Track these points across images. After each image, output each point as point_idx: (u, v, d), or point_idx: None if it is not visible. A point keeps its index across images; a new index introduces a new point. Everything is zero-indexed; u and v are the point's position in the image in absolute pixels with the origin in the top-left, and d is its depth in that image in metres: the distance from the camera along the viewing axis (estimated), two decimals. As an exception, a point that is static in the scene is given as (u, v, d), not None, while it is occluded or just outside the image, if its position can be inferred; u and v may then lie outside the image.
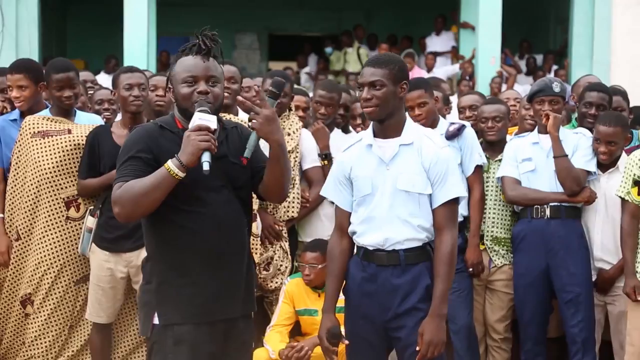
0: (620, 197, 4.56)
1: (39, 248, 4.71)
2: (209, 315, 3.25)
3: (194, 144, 3.05)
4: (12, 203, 4.79)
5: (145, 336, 3.31)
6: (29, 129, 4.72)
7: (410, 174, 3.51)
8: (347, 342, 3.64)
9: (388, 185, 3.52)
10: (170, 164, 3.06)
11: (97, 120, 5.10)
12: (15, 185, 4.78)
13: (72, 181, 4.73)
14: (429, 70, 12.86)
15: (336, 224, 3.73)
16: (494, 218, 5.11)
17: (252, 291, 3.45)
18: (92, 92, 5.95)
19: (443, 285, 3.47)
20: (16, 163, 4.77)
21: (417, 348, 3.45)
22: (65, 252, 4.74)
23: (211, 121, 3.11)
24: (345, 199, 3.65)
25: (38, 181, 4.68)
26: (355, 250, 3.70)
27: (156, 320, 3.23)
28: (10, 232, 4.80)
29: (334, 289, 3.67)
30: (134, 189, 3.10)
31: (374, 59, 3.56)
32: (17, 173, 4.77)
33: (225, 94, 4.69)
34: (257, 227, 4.82)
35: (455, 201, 3.54)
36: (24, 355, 4.83)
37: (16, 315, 4.82)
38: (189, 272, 3.22)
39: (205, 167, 3.05)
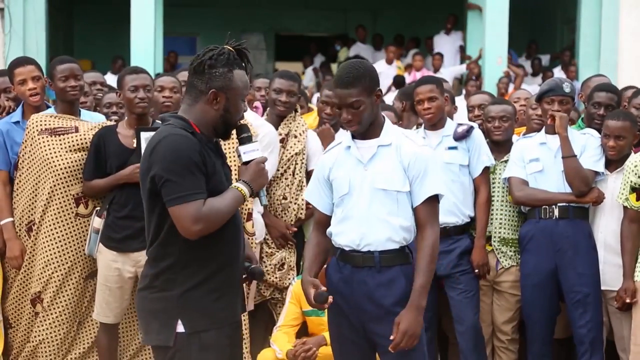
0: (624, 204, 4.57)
1: (49, 245, 4.72)
2: (229, 319, 3.30)
3: (266, 177, 3.34)
4: (19, 201, 4.80)
5: (165, 345, 3.21)
6: (36, 126, 4.73)
7: (387, 173, 3.53)
8: (331, 299, 3.54)
9: (366, 185, 3.54)
10: (245, 191, 3.25)
11: (101, 119, 5.10)
12: (24, 183, 4.78)
13: (81, 178, 4.74)
14: (436, 70, 12.86)
15: (314, 226, 3.76)
16: (501, 219, 5.10)
17: (243, 292, 3.53)
18: (100, 94, 5.94)
19: (423, 278, 3.46)
20: (25, 161, 4.77)
21: (392, 337, 3.44)
22: (75, 249, 4.75)
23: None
24: (324, 202, 3.69)
25: (51, 179, 4.69)
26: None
27: (180, 329, 3.19)
28: (20, 231, 4.80)
29: (311, 256, 3.66)
30: (221, 210, 3.16)
31: (344, 79, 3.49)
32: (26, 171, 4.77)
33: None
34: (252, 225, 4.84)
35: (435, 198, 3.55)
36: (27, 354, 4.83)
37: (28, 314, 4.83)
38: (213, 278, 3.23)
39: (264, 200, 3.40)
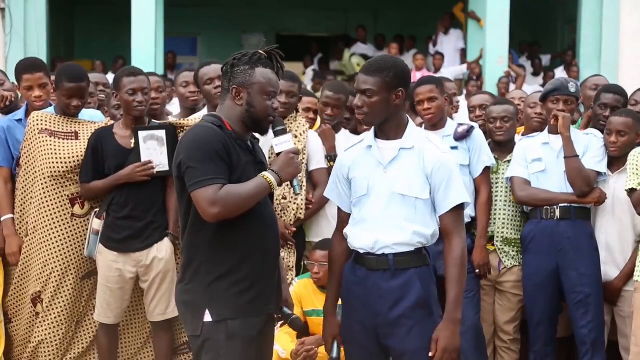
0: (630, 189, 4.51)
1: (46, 245, 4.71)
2: (257, 311, 3.37)
3: (297, 167, 3.40)
4: (24, 199, 4.80)
5: (195, 334, 3.36)
6: (36, 125, 4.72)
7: (408, 177, 3.46)
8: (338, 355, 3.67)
9: (384, 187, 3.49)
10: (272, 178, 3.33)
11: (100, 117, 5.07)
12: (26, 182, 4.79)
13: (76, 178, 4.73)
14: (437, 70, 12.86)
15: (337, 225, 3.73)
16: (503, 219, 5.10)
17: (280, 290, 3.58)
18: (103, 96, 5.92)
19: (456, 290, 3.42)
20: (25, 159, 4.77)
21: (431, 354, 3.40)
22: (71, 249, 4.74)
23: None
24: (345, 200, 3.65)
25: (45, 179, 4.69)
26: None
27: (207, 318, 3.31)
28: (21, 229, 4.81)
29: (335, 290, 3.68)
30: (239, 194, 3.26)
31: (369, 65, 3.51)
32: (28, 170, 4.77)
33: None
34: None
35: (461, 207, 3.50)
36: (28, 355, 4.83)
37: (28, 313, 4.83)
38: (240, 270, 3.34)
39: (297, 189, 3.49)
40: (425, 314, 3.48)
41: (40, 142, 4.70)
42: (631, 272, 4.65)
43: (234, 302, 3.31)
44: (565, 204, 4.80)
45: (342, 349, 3.71)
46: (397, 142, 3.51)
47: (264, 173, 3.35)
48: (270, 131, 3.49)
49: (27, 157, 4.77)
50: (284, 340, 4.74)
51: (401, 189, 3.46)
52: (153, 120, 4.80)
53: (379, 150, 3.53)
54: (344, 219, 3.67)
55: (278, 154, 3.47)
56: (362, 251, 3.54)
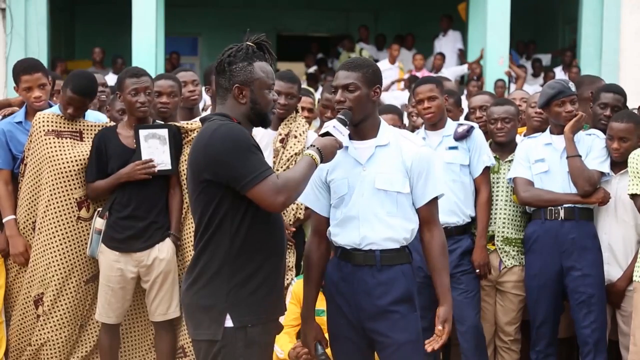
0: (633, 194, 4.54)
1: (50, 247, 4.72)
2: (274, 314, 3.41)
3: (334, 155, 3.46)
4: (29, 199, 4.79)
5: (213, 339, 3.28)
6: (42, 126, 4.72)
7: (388, 173, 3.56)
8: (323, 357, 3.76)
9: (365, 184, 3.56)
10: (316, 156, 3.36)
11: (103, 119, 5.08)
12: (32, 183, 4.78)
13: (84, 181, 4.74)
14: (437, 70, 12.85)
15: (313, 229, 3.77)
16: (504, 219, 5.09)
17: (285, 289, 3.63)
18: (104, 96, 5.91)
19: (446, 277, 3.59)
20: (31, 160, 4.76)
21: (439, 328, 3.54)
22: (76, 252, 4.74)
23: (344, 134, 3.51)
24: (321, 204, 3.70)
25: (54, 181, 4.69)
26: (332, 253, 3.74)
27: (228, 323, 3.26)
28: (25, 229, 4.81)
29: (313, 295, 3.73)
30: (295, 177, 3.28)
31: (348, 63, 3.62)
32: (33, 171, 4.77)
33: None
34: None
35: (436, 197, 3.64)
36: (30, 356, 4.82)
37: (30, 315, 4.83)
38: (260, 274, 3.32)
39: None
40: (410, 309, 3.59)
41: (47, 144, 4.70)
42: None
43: (255, 307, 3.29)
44: (569, 205, 4.80)
45: (326, 348, 3.77)
46: (372, 140, 3.61)
47: (308, 151, 3.38)
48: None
49: (32, 158, 4.76)
50: (282, 340, 4.73)
51: (382, 185, 3.55)
52: (157, 121, 4.80)
53: (355, 150, 3.61)
54: (319, 222, 3.72)
55: (325, 134, 3.49)
56: (348, 247, 3.59)
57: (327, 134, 3.49)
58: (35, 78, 4.85)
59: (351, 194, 3.58)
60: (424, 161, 3.58)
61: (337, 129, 3.49)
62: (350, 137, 3.62)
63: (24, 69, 4.89)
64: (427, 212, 3.60)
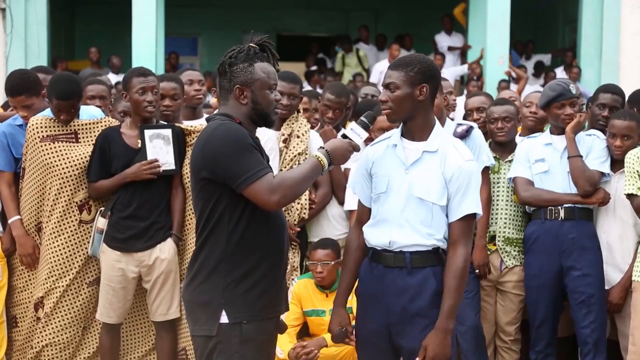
0: (629, 194, 4.54)
1: (52, 251, 4.71)
2: (271, 312, 3.39)
3: (347, 158, 3.45)
4: (25, 202, 4.79)
5: (209, 335, 3.31)
6: (36, 132, 4.70)
7: (427, 181, 3.46)
8: (352, 343, 3.67)
9: (404, 188, 3.49)
10: (324, 159, 3.36)
11: (98, 114, 5.03)
12: (29, 186, 4.78)
13: (85, 184, 4.73)
14: (437, 70, 12.81)
15: (356, 219, 3.73)
16: (505, 219, 5.09)
17: (287, 289, 3.59)
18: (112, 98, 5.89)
19: (452, 300, 3.40)
20: (28, 165, 4.76)
21: (417, 359, 3.40)
22: (78, 255, 4.74)
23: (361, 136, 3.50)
24: (365, 194, 3.65)
25: (58, 186, 4.68)
26: None
27: (223, 319, 3.28)
28: (28, 231, 4.81)
29: (347, 282, 3.68)
30: (294, 177, 3.29)
31: (396, 61, 3.54)
32: (30, 175, 4.77)
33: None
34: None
35: (472, 217, 3.48)
36: (31, 358, 4.81)
37: (30, 317, 4.83)
38: (257, 271, 3.33)
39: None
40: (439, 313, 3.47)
41: (44, 151, 4.69)
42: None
43: (250, 304, 3.29)
44: (569, 205, 4.80)
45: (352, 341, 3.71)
46: (421, 144, 3.51)
47: (315, 153, 3.37)
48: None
49: (30, 163, 4.76)
50: (282, 340, 4.73)
51: (420, 193, 3.46)
52: (160, 122, 4.80)
53: (403, 150, 3.53)
54: (363, 212, 3.67)
55: (343, 136, 3.48)
56: (379, 248, 3.54)
57: (344, 136, 3.47)
58: (17, 101, 4.82)
59: (388, 194, 3.51)
60: (464, 176, 3.43)
61: (355, 131, 3.47)
62: (402, 135, 3.56)
63: (8, 89, 4.87)
64: (456, 229, 3.44)
